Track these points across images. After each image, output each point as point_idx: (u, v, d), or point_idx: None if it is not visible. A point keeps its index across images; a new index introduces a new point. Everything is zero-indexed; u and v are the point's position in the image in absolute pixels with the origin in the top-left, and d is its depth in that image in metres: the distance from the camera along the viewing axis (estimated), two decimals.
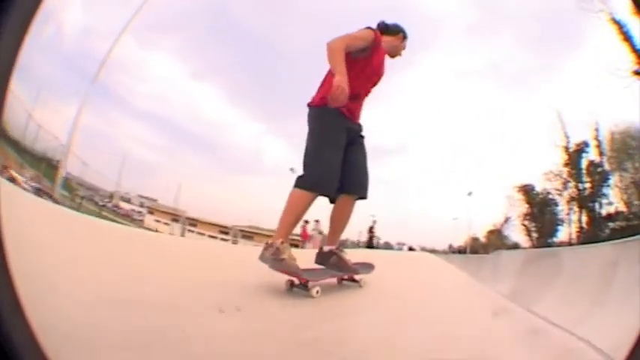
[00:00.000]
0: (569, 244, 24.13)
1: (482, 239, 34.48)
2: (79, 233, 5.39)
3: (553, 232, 29.71)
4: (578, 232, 25.93)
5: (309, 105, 5.10)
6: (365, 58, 4.94)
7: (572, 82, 21.62)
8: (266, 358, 2.97)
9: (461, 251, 30.07)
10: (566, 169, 26.71)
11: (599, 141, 24.37)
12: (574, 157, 26.06)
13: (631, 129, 21.60)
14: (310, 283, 4.62)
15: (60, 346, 1.90)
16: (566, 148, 25.90)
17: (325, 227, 6.37)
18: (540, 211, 30.68)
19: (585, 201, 25.71)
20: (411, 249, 27.66)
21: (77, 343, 2.28)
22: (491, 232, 35.75)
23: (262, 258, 4.51)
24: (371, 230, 25.64)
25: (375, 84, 5.36)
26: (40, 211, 5.63)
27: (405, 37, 5.57)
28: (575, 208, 26.51)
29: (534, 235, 31.09)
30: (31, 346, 1.45)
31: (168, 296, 3.77)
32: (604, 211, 24.85)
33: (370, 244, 25.52)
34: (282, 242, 4.50)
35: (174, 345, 2.76)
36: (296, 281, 4.69)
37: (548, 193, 29.62)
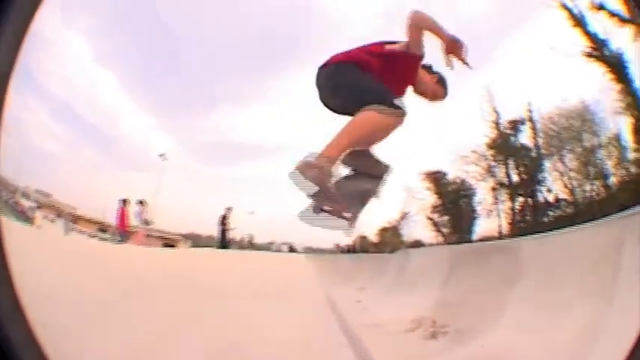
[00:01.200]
0: (500, 237, 22.63)
1: (374, 237, 34.38)
2: None
3: (471, 226, 27.33)
4: (510, 223, 24.28)
5: None
6: None
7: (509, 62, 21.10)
8: None
9: (350, 250, 28.84)
10: (490, 152, 25.09)
11: (533, 122, 23.39)
12: (505, 138, 24.57)
13: (577, 110, 21.29)
14: None
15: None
16: (496, 125, 24.42)
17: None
18: (453, 202, 28.21)
19: (519, 188, 24.08)
20: (291, 249, 27.29)
21: None
22: (384, 230, 35.41)
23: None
24: (223, 222, 21.41)
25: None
26: None
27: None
28: (505, 196, 24.69)
29: (445, 229, 28.63)
30: (31, 346, 1.46)
31: None
32: (542, 199, 23.25)
33: (223, 241, 21.41)
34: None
35: None
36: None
37: (463, 181, 27.65)
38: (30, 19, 1.53)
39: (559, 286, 7.84)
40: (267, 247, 27.66)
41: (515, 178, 24.18)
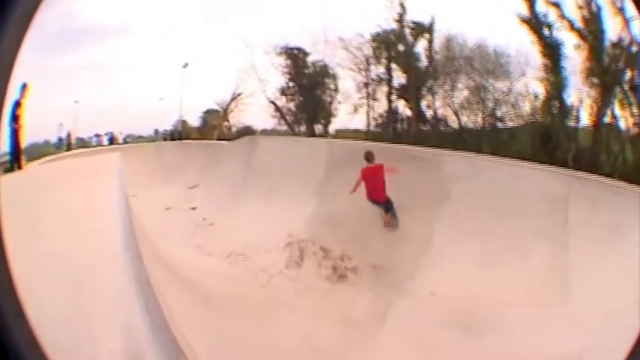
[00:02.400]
0: (366, 138, 21.15)
1: (197, 122, 32.29)
2: None
3: (326, 118, 25.46)
4: (379, 125, 23.38)
5: None
6: None
7: None
8: None
9: (173, 138, 27.75)
10: (375, 44, 23.46)
11: (432, 35, 22.32)
12: (401, 37, 22.93)
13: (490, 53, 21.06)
14: None
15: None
16: (400, 19, 22.56)
17: None
18: (308, 88, 25.85)
19: (400, 91, 23.02)
20: (112, 141, 26.35)
21: None
22: (209, 113, 32.87)
23: None
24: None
25: None
26: None
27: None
28: (380, 95, 23.35)
29: (290, 118, 26.20)
30: (32, 346, 1.56)
31: None
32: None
33: None
34: None
35: None
36: None
37: (326, 66, 25.37)
38: (30, 19, 1.58)
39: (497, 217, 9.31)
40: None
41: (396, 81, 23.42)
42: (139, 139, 30.64)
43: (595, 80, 17.06)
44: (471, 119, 21.15)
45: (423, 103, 22.52)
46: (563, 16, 18.12)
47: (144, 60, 32.57)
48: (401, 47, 23.09)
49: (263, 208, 13.65)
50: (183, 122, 30.38)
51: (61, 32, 29.27)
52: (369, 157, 11.84)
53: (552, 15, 18.35)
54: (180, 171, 20.57)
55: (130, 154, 20.61)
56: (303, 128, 25.75)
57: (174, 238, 12.44)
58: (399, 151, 13.52)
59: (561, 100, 18.21)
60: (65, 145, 23.34)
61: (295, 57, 26.31)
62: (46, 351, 1.60)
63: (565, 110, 18.03)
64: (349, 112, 24.19)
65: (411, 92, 22.53)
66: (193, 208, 15.97)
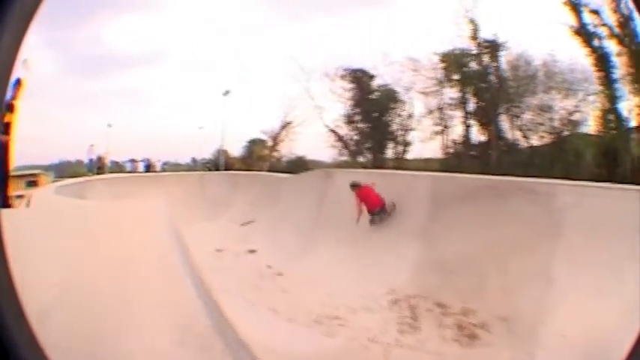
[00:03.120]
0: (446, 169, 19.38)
1: (240, 151, 30.59)
2: None
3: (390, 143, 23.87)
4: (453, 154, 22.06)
5: None
6: None
7: None
8: None
9: (217, 168, 26.66)
10: (444, 65, 22.17)
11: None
12: (473, 57, 21.79)
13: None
14: None
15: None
16: (474, 36, 21.43)
17: None
18: (376, 113, 23.72)
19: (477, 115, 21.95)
20: (149, 168, 25.79)
21: None
22: (255, 143, 31.18)
23: None
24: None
25: None
26: None
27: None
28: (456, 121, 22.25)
29: (354, 147, 24.47)
30: (32, 346, 1.52)
31: None
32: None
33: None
34: None
35: None
36: None
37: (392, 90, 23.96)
38: (30, 19, 1.53)
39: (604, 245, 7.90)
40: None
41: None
42: (176, 166, 29.76)
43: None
44: (538, 141, 20.65)
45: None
46: (603, 23, 18.14)
47: (182, 87, 32.67)
48: (474, 66, 21.79)
49: (348, 253, 11.25)
50: (224, 151, 28.94)
51: (92, 57, 30.42)
52: (355, 184, 12.57)
53: (596, 23, 18.37)
54: (227, 205, 18.60)
55: (168, 182, 20.12)
56: (360, 159, 24.14)
57: (236, 294, 9.60)
58: (495, 183, 11.14)
59: (617, 113, 18.16)
60: (96, 167, 23.68)
61: (359, 80, 24.51)
62: (45, 351, 1.57)
63: (622, 122, 18.02)
64: (422, 139, 22.92)
65: (489, 115, 21.19)
66: (252, 252, 13.35)
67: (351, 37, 25.70)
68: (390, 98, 23.63)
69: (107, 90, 31.81)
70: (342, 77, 24.28)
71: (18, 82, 6.87)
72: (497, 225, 9.61)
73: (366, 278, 10.28)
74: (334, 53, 24.62)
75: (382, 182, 12.77)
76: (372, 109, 23.83)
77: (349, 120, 24.47)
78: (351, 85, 24.38)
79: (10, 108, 6.58)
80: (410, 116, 23.16)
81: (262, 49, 31.17)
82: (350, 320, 9.07)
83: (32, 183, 25.07)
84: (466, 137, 21.79)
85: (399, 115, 23.57)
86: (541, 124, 20.19)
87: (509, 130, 21.00)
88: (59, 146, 29.15)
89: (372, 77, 24.12)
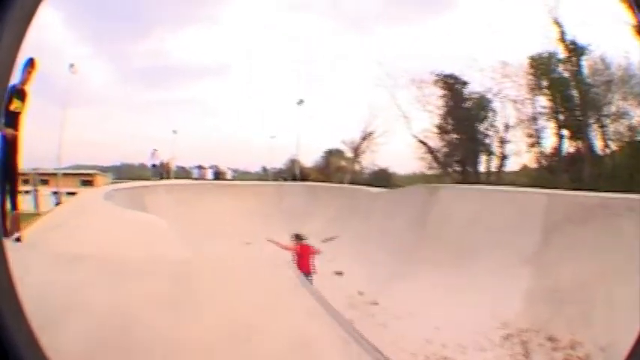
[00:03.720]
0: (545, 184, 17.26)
1: (315, 162, 29.69)
2: None
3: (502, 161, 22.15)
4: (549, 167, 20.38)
5: None
6: None
7: None
8: None
9: (294, 178, 25.09)
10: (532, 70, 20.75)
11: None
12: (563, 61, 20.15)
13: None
14: None
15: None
16: (562, 38, 19.72)
17: None
18: (469, 122, 22.34)
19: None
20: (218, 175, 25.04)
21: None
22: (332, 153, 30.24)
23: None
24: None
25: None
26: None
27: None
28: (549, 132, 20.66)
29: (445, 159, 23.12)
30: (31, 346, 1.49)
31: None
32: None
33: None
34: None
35: None
36: None
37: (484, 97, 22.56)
38: (30, 19, 1.47)
39: None
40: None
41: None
42: (245, 174, 29.22)
43: None
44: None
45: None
46: None
47: (251, 97, 32.55)
48: (561, 71, 20.24)
49: (453, 280, 9.83)
50: (297, 162, 28.15)
51: (155, 68, 31.70)
52: (300, 237, 12.21)
53: None
54: (306, 218, 17.21)
55: (241, 192, 19.36)
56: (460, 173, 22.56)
57: None
58: (606, 202, 9.65)
59: None
60: (159, 172, 22.79)
61: (451, 87, 22.97)
62: (45, 351, 1.49)
63: None
64: (515, 151, 21.43)
65: (580, 125, 19.56)
66: (339, 274, 11.84)
67: (438, 42, 24.01)
68: (482, 107, 22.03)
69: (172, 99, 33.46)
70: (434, 83, 22.83)
71: (30, 62, 5.42)
72: (608, 249, 8.42)
73: (475, 309, 8.79)
74: (420, 59, 23.13)
75: (489, 200, 11.25)
76: (465, 119, 22.24)
77: (440, 130, 22.93)
78: (442, 92, 22.90)
79: (21, 94, 5.20)
80: (507, 127, 21.41)
81: (341, 56, 30.37)
82: None
83: (87, 182, 25.63)
84: (558, 149, 20.19)
85: (493, 126, 21.86)
86: (619, 133, 18.82)
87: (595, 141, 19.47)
88: (121, 150, 30.36)
89: (464, 84, 22.59)
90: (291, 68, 32.12)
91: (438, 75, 22.51)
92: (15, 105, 5.12)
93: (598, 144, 19.19)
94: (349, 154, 27.38)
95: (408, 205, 12.81)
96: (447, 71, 22.47)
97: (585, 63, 19.34)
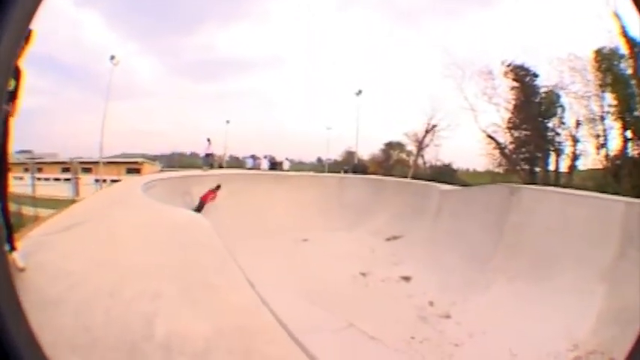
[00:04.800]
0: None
1: (374, 154, 28.92)
2: None
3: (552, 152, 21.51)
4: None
5: None
6: None
7: None
8: None
9: (355, 171, 24.51)
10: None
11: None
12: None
13: None
14: None
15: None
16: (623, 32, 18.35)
17: None
18: (539, 118, 21.50)
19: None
20: (274, 166, 24.67)
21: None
22: (393, 146, 29.45)
23: None
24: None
25: None
26: None
27: None
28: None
29: (513, 156, 22.25)
30: (31, 346, 1.49)
31: None
32: None
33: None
34: None
35: None
36: None
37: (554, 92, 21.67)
38: (30, 19, 1.48)
39: None
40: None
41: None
42: (300, 165, 28.91)
43: None
44: None
45: None
46: None
47: (307, 88, 32.43)
48: (627, 69, 19.01)
49: (529, 294, 9.01)
50: (354, 153, 27.58)
51: (206, 61, 37.46)
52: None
53: None
54: (368, 213, 16.55)
55: (298, 184, 18.76)
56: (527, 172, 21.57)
57: (391, 345, 7.83)
58: None
59: None
60: (209, 162, 22.58)
61: (521, 79, 22.01)
62: (45, 352, 1.53)
63: None
64: (582, 151, 20.60)
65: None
66: (406, 279, 10.91)
67: (503, 32, 22.95)
68: (552, 102, 21.02)
69: (224, 91, 34.15)
70: (504, 75, 21.89)
71: (28, 34, 4.83)
72: None
73: (547, 328, 8.13)
74: (486, 50, 22.09)
75: (569, 205, 10.18)
76: (535, 114, 21.20)
77: (509, 125, 21.97)
78: (512, 85, 21.93)
79: (16, 72, 4.63)
80: (578, 124, 20.44)
81: (403, 46, 29.56)
82: None
83: (134, 170, 26.09)
84: (623, 151, 19.09)
85: (563, 123, 20.95)
86: None
87: None
88: (172, 139, 31.90)
89: (535, 76, 21.60)
90: (351, 59, 31.70)
91: (508, 65, 21.60)
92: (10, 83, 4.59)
93: None
94: (410, 147, 26.59)
95: (482, 206, 11.84)
96: (517, 62, 21.53)
97: None
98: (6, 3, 1.40)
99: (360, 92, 24.73)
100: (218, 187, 15.83)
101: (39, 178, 23.63)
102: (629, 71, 18.51)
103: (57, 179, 24.09)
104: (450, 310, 9.08)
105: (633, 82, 18.41)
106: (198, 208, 14.35)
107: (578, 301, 8.46)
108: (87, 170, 24.11)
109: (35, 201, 19.55)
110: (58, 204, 14.09)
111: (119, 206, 8.06)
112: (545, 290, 8.95)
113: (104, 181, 22.86)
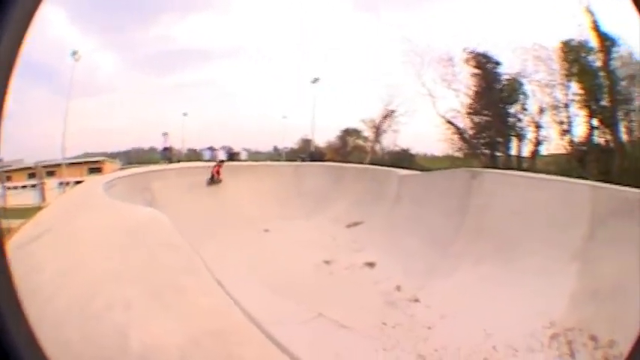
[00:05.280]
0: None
1: (331, 141, 29.04)
2: None
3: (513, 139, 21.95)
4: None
5: None
6: None
7: None
8: None
9: (313, 159, 24.58)
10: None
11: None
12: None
13: None
14: None
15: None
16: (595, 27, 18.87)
17: None
18: (500, 104, 21.66)
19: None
20: (232, 156, 24.44)
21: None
22: (350, 133, 29.65)
23: None
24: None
25: None
26: None
27: None
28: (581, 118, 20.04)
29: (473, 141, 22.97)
30: (31, 346, 1.54)
31: None
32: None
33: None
34: None
35: None
36: None
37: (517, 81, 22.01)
38: (30, 19, 1.55)
39: None
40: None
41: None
42: (257, 154, 28.69)
43: None
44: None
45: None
46: None
47: (264, 77, 32.23)
48: (595, 61, 19.44)
49: (499, 276, 9.02)
50: (310, 141, 27.55)
51: (163, 53, 32.52)
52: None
53: None
54: (328, 201, 16.45)
55: (256, 173, 18.74)
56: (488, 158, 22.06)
57: (362, 330, 7.83)
58: None
59: None
60: (167, 156, 23.04)
61: (483, 66, 22.29)
62: (45, 351, 1.59)
63: None
64: (545, 138, 20.86)
65: (612, 116, 18.90)
66: (370, 265, 10.81)
67: (466, 20, 23.10)
68: (514, 89, 21.24)
69: (182, 82, 33.84)
70: (466, 62, 21.97)
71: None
72: None
73: (521, 307, 8.17)
74: (448, 37, 22.29)
75: (533, 189, 10.29)
76: (497, 100, 21.35)
77: (469, 110, 22.03)
78: (473, 71, 22.04)
79: None
80: (541, 111, 20.57)
81: (359, 32, 29.57)
82: None
83: (95, 170, 25.47)
84: (588, 139, 19.46)
85: (525, 109, 21.11)
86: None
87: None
88: (131, 135, 31.00)
89: (497, 64, 21.72)
90: (306, 48, 31.45)
91: (470, 53, 21.67)
92: None
93: (625, 138, 18.75)
94: (367, 133, 26.69)
95: (443, 190, 11.81)
96: (480, 49, 21.65)
97: (615, 55, 18.72)
98: (6, 3, 1.44)
99: (316, 80, 24.62)
100: (222, 162, 17.75)
101: (9, 187, 23.43)
102: (598, 64, 18.96)
103: (24, 186, 23.34)
104: (418, 294, 9.00)
105: (602, 74, 18.91)
106: (211, 180, 17.04)
107: (550, 282, 8.55)
108: (51, 174, 23.55)
109: (6, 212, 19.33)
110: (26, 213, 13.62)
111: (81, 209, 7.69)
112: (513, 272, 8.96)
113: (67, 183, 22.32)
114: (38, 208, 13.45)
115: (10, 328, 1.44)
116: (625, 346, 6.55)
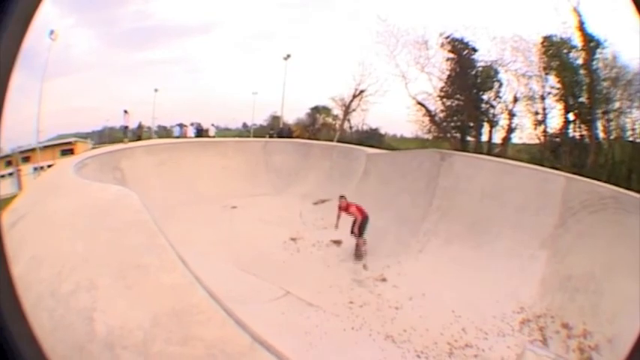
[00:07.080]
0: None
1: (300, 119, 28.92)
2: None
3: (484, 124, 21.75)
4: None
5: None
6: None
7: None
8: None
9: (281, 135, 24.24)
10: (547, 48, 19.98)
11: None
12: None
13: None
14: None
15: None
16: (581, 27, 18.76)
17: None
18: (474, 89, 21.27)
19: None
20: (201, 133, 24.04)
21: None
22: (319, 110, 29.44)
23: None
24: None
25: None
26: None
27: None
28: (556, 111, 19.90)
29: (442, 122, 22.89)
30: (31, 346, 1.52)
31: None
32: None
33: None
34: None
35: None
36: None
37: (492, 69, 21.79)
38: (30, 19, 1.55)
39: None
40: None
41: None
42: (226, 131, 28.26)
43: None
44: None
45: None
46: None
47: (236, 54, 31.50)
48: (574, 57, 19.49)
49: (468, 257, 9.07)
50: (279, 118, 27.31)
51: (136, 30, 31.18)
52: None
53: None
54: (296, 178, 16.37)
55: (225, 150, 17.86)
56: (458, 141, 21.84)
57: (329, 312, 7.64)
58: (620, 196, 8.82)
59: None
60: (136, 134, 21.98)
61: (459, 52, 21.90)
62: (45, 351, 1.57)
63: None
64: (518, 126, 20.78)
65: (590, 113, 18.87)
66: (337, 243, 10.72)
67: (447, 9, 23.10)
68: (489, 76, 21.07)
69: (155, 59, 33.08)
70: (441, 46, 21.65)
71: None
72: (620, 243, 7.91)
73: (490, 292, 8.26)
74: (425, 20, 22.12)
75: (507, 175, 10.22)
76: (470, 85, 21.15)
77: (441, 93, 21.79)
78: (448, 56, 21.70)
79: None
80: (515, 100, 20.47)
81: (333, 11, 29.20)
82: (479, 346, 7.19)
83: (68, 152, 24.63)
84: (563, 131, 19.53)
85: (499, 97, 20.94)
86: (623, 130, 18.54)
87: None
88: (104, 114, 30.10)
89: (474, 50, 21.40)
90: (278, 24, 31.02)
91: (446, 37, 21.43)
92: None
93: (601, 135, 18.84)
94: (337, 111, 26.45)
95: (412, 170, 11.73)
96: (457, 35, 21.45)
97: (599, 56, 18.74)
98: (6, 3, 1.44)
99: (288, 57, 24.29)
100: None
101: None
102: (580, 61, 19.01)
103: (2, 176, 22.44)
104: (385, 274, 8.93)
105: (583, 72, 18.97)
106: None
107: (519, 266, 8.68)
108: (26, 159, 22.63)
109: None
110: (5, 202, 12.98)
111: (52, 193, 7.29)
112: (482, 254, 9.01)
113: (41, 168, 21.35)
114: (15, 196, 12.96)
115: (10, 328, 1.44)
116: (599, 338, 7.02)
